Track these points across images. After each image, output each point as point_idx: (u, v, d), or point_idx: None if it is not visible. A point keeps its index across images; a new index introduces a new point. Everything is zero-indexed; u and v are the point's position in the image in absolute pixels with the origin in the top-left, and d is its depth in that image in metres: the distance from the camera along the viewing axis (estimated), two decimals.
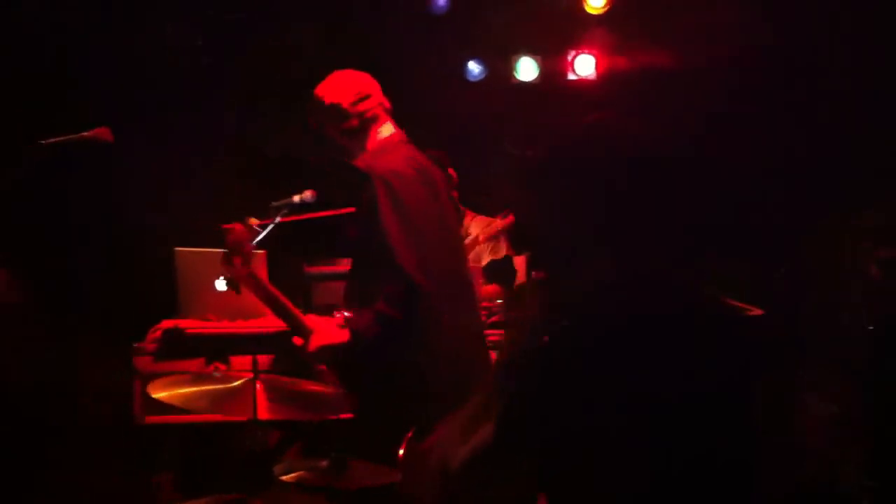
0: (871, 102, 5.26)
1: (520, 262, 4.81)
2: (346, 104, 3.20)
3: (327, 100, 3.23)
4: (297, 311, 3.08)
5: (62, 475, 4.28)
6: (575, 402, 1.42)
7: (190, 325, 3.88)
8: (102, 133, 3.29)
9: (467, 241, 4.92)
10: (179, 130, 5.65)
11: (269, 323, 4.03)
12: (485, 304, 4.40)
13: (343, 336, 2.96)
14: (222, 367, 3.56)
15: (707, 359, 1.49)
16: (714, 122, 6.01)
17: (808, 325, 4.26)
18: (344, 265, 5.62)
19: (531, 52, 6.44)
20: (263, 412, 2.54)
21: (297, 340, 3.04)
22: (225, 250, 2.98)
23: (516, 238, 4.72)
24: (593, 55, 6.38)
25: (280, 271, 4.10)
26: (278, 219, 4.70)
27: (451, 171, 4.94)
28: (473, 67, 6.50)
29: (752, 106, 5.85)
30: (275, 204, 3.74)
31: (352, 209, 5.34)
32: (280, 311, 3.09)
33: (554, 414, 1.40)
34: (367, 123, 3.22)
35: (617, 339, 1.44)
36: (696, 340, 1.50)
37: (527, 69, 6.44)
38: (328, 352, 2.98)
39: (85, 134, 3.23)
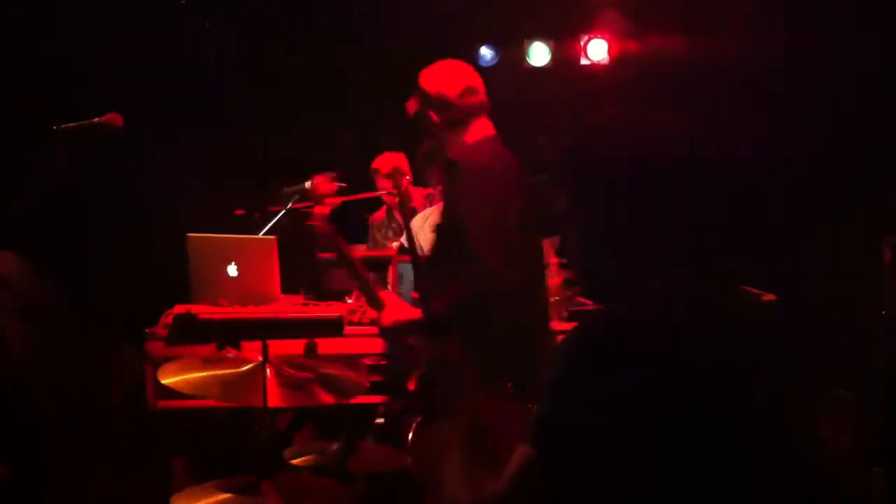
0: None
1: None
2: (452, 96, 3.17)
3: (433, 89, 3.21)
4: (370, 280, 3.17)
5: (78, 463, 4.32)
6: (587, 405, 1.41)
7: (202, 310, 3.89)
8: (113, 118, 3.30)
9: None
10: (192, 116, 5.67)
11: (281, 308, 4.05)
12: None
13: (415, 314, 3.04)
14: (234, 352, 3.57)
15: (725, 353, 1.48)
16: (729, 110, 5.98)
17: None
18: (355, 251, 5.67)
19: (543, 36, 6.41)
20: (274, 398, 2.55)
21: (372, 313, 3.14)
22: (307, 203, 3.03)
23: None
24: (606, 40, 6.36)
25: (290, 257, 4.12)
26: (290, 204, 4.71)
27: None
28: (486, 53, 6.49)
29: (766, 91, 5.82)
30: (287, 189, 3.75)
31: (365, 195, 5.37)
32: (356, 277, 3.16)
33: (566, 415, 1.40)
34: (469, 118, 3.19)
35: (635, 340, 1.44)
36: (715, 337, 1.49)
37: (539, 54, 6.42)
38: (401, 327, 3.05)
39: (95, 119, 3.24)
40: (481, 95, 3.25)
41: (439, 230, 3.23)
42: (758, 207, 5.28)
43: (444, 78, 3.23)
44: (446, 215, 3.16)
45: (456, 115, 3.18)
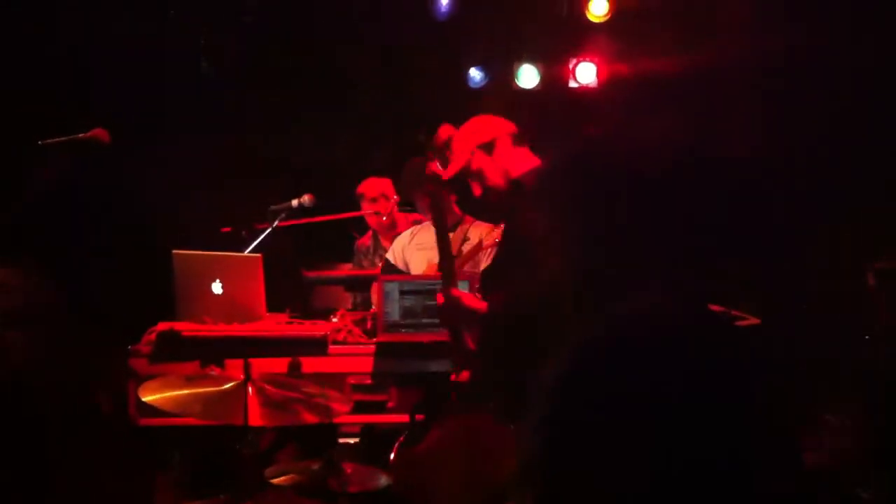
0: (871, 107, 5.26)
1: None
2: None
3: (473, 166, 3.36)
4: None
5: (65, 475, 4.30)
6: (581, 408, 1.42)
7: (186, 327, 3.88)
8: (99, 134, 3.30)
9: (466, 246, 4.91)
10: (178, 134, 5.67)
11: (265, 326, 4.04)
12: None
13: (482, 306, 3.12)
14: (217, 369, 3.55)
15: (709, 368, 1.49)
16: (715, 127, 6.03)
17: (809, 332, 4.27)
18: (341, 270, 5.67)
19: (532, 59, 6.45)
20: (255, 417, 2.54)
21: (456, 292, 3.21)
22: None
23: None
24: (595, 63, 6.39)
25: (278, 276, 4.11)
26: (276, 223, 4.71)
27: None
28: (475, 74, 6.51)
29: (754, 112, 5.86)
30: (273, 208, 3.74)
31: (351, 214, 5.36)
32: (444, 251, 3.31)
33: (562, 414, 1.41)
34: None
35: (617, 355, 1.44)
36: (696, 352, 1.49)
37: (528, 76, 6.45)
38: (466, 312, 3.14)
39: (81, 135, 3.24)
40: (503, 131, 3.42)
41: (505, 246, 3.36)
42: (753, 212, 5.32)
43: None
44: (512, 225, 3.24)
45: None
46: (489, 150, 3.33)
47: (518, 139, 3.36)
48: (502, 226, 4.74)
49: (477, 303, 3.19)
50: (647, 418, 1.40)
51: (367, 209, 5.44)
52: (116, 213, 5.26)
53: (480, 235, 4.90)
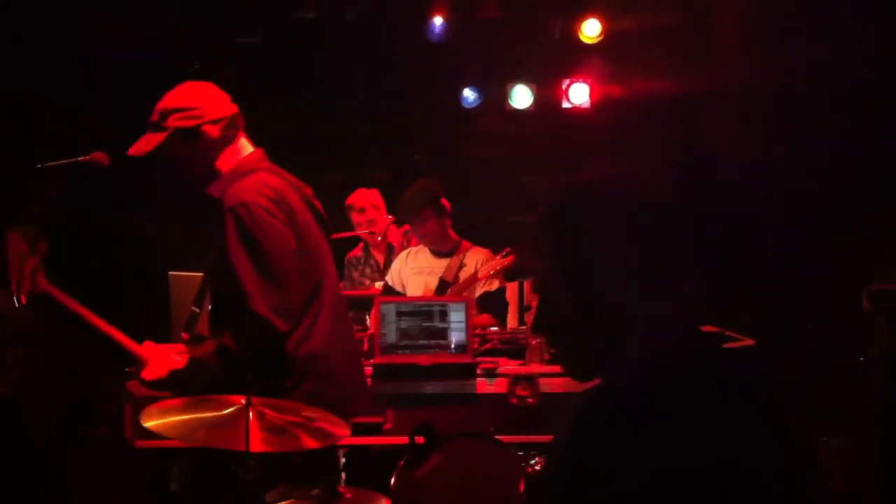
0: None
1: (512, 293, 4.81)
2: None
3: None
4: (118, 334, 2.92)
5: (60, 491, 4.30)
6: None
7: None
8: (98, 157, 3.28)
9: (463, 273, 4.91)
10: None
11: None
12: (477, 332, 4.41)
13: (177, 364, 2.86)
14: None
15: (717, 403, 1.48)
16: (709, 149, 6.07)
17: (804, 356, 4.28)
18: None
19: (526, 79, 6.48)
20: (256, 443, 2.53)
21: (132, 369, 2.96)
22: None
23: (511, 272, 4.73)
24: (588, 84, 6.43)
25: None
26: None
27: (443, 200, 4.94)
28: (469, 94, 6.55)
29: (747, 134, 5.90)
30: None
31: (345, 234, 5.35)
32: (101, 333, 2.92)
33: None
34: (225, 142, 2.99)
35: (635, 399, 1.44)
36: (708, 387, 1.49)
37: (521, 97, 6.48)
38: (163, 382, 2.88)
39: (81, 158, 3.22)
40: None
41: (213, 269, 3.04)
42: (747, 235, 5.34)
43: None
44: (216, 253, 2.94)
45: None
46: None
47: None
48: (500, 256, 4.76)
49: (168, 365, 2.89)
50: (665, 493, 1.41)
51: (355, 220, 5.44)
52: (113, 234, 5.26)
53: (477, 261, 4.91)
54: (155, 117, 2.96)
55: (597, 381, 1.52)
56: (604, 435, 1.41)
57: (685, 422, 1.42)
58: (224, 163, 2.98)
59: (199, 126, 2.92)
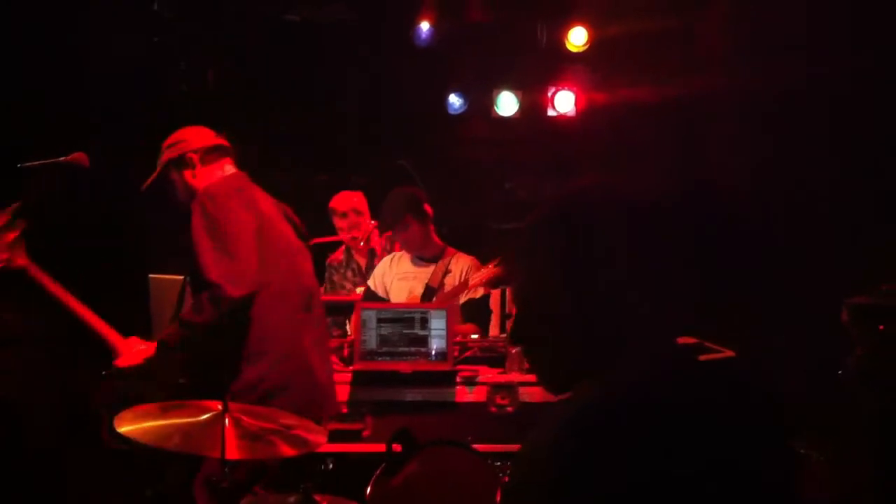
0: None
1: (495, 301, 4.81)
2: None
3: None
4: (95, 319, 3.22)
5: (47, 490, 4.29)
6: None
7: None
8: (79, 158, 3.28)
9: (449, 279, 4.91)
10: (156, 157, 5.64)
11: None
12: (458, 339, 4.41)
13: (145, 353, 3.14)
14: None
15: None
16: (694, 158, 6.08)
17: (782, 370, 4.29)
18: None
19: (512, 87, 6.49)
20: (232, 450, 2.52)
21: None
22: None
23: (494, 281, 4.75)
24: (573, 92, 6.44)
25: None
26: None
27: (426, 206, 4.94)
28: (454, 101, 6.55)
29: (732, 144, 5.92)
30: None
31: (328, 238, 5.35)
32: (76, 318, 3.21)
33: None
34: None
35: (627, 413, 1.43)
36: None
37: (507, 104, 6.49)
38: (133, 370, 3.15)
39: (62, 159, 3.22)
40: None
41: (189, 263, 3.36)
42: (729, 246, 5.36)
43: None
44: (187, 246, 3.26)
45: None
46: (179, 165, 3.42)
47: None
48: (491, 266, 4.77)
49: (137, 355, 3.20)
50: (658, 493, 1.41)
51: (337, 223, 5.42)
52: (94, 236, 5.22)
53: (462, 268, 4.91)
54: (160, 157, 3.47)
55: (569, 394, 1.51)
56: (594, 444, 1.40)
57: (677, 430, 1.42)
58: (202, 182, 3.37)
59: (184, 153, 3.39)
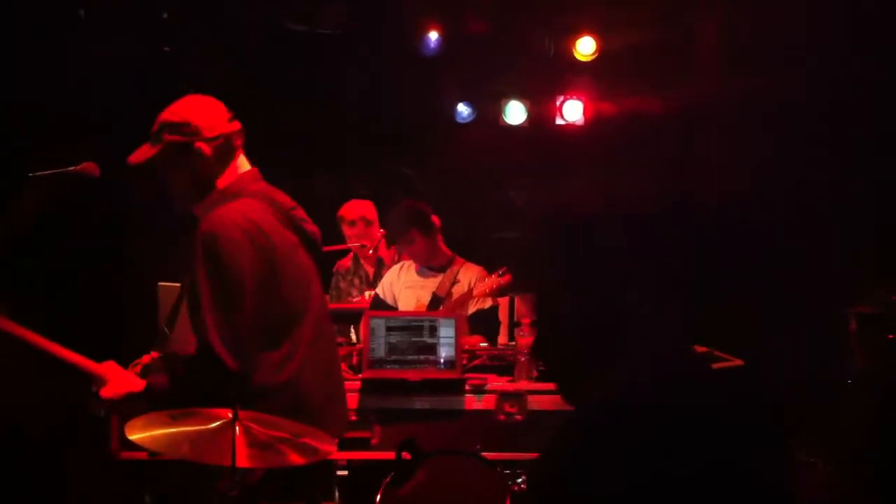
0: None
1: (503, 312, 4.82)
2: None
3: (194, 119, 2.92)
4: (74, 356, 2.89)
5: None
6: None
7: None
8: (89, 167, 3.28)
9: (456, 289, 4.91)
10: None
11: None
12: (466, 347, 4.41)
13: (138, 386, 2.85)
14: None
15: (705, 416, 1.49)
16: (698, 166, 6.09)
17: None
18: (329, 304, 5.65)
19: (520, 96, 6.50)
20: (242, 458, 2.52)
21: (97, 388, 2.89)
22: None
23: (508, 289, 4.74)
24: (581, 101, 6.45)
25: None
26: None
27: (433, 218, 4.95)
28: (463, 110, 6.56)
29: (737, 152, 5.92)
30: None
31: (337, 247, 5.34)
32: (51, 359, 2.88)
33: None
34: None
35: (620, 415, 1.44)
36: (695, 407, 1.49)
37: (515, 113, 6.50)
38: (121, 401, 2.86)
39: (71, 168, 3.22)
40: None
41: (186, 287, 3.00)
42: (734, 254, 5.35)
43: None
44: (186, 272, 2.91)
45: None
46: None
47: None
48: (496, 275, 4.76)
49: (129, 385, 2.86)
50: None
51: (346, 232, 5.43)
52: (102, 243, 5.24)
53: (470, 277, 4.91)
54: (154, 128, 2.94)
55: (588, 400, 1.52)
56: (595, 444, 1.41)
57: (677, 431, 1.43)
58: (220, 180, 2.93)
59: (191, 143, 2.88)
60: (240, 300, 2.75)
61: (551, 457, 1.47)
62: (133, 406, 2.83)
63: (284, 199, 3.01)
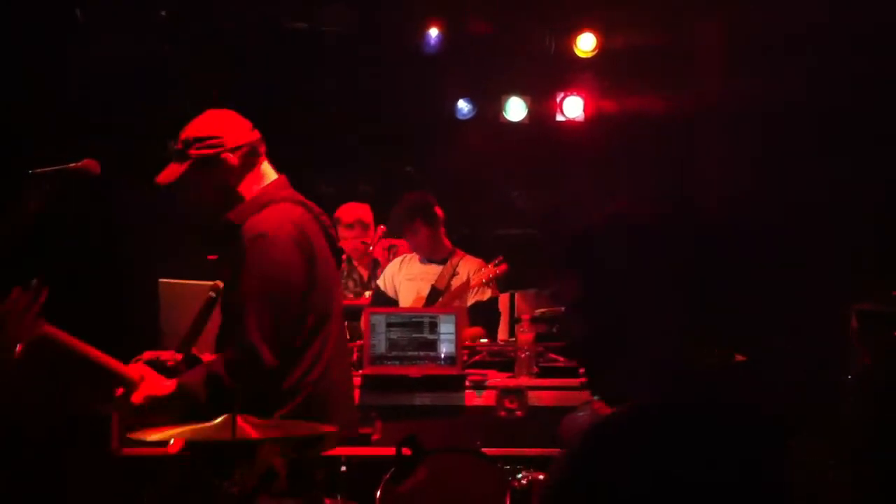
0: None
1: (504, 303, 4.82)
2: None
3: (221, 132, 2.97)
4: (111, 361, 2.87)
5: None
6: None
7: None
8: (90, 165, 3.27)
9: (455, 281, 4.93)
10: (166, 162, 5.66)
11: None
12: (467, 343, 4.42)
13: (168, 388, 2.84)
14: None
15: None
16: (698, 165, 6.08)
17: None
18: None
19: (520, 92, 6.50)
20: (243, 454, 2.52)
21: (119, 391, 2.89)
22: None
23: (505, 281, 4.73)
24: (582, 97, 6.45)
25: None
26: None
27: (437, 209, 4.97)
28: (463, 106, 6.56)
29: (742, 152, 5.92)
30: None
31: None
32: (90, 365, 2.85)
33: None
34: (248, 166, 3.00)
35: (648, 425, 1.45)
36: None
37: (516, 109, 6.50)
38: (152, 403, 2.84)
39: (72, 165, 3.21)
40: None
41: (225, 291, 3.02)
42: (736, 252, 5.34)
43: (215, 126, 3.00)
44: (228, 277, 2.95)
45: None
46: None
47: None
48: (492, 265, 4.78)
49: (161, 388, 2.85)
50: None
51: (342, 233, 5.44)
52: (103, 241, 5.25)
53: (469, 270, 4.94)
54: (179, 146, 2.99)
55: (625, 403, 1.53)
56: (596, 444, 1.42)
57: (677, 431, 1.44)
58: (247, 189, 2.98)
59: (218, 154, 2.93)
60: (284, 300, 2.81)
61: (556, 460, 1.48)
62: (163, 410, 2.84)
63: (312, 204, 3.08)
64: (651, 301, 1.53)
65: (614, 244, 1.57)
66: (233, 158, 2.94)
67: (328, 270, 3.00)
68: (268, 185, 3.00)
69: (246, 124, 3.02)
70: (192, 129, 2.99)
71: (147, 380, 2.88)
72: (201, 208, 3.04)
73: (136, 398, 2.86)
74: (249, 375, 2.78)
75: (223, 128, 2.97)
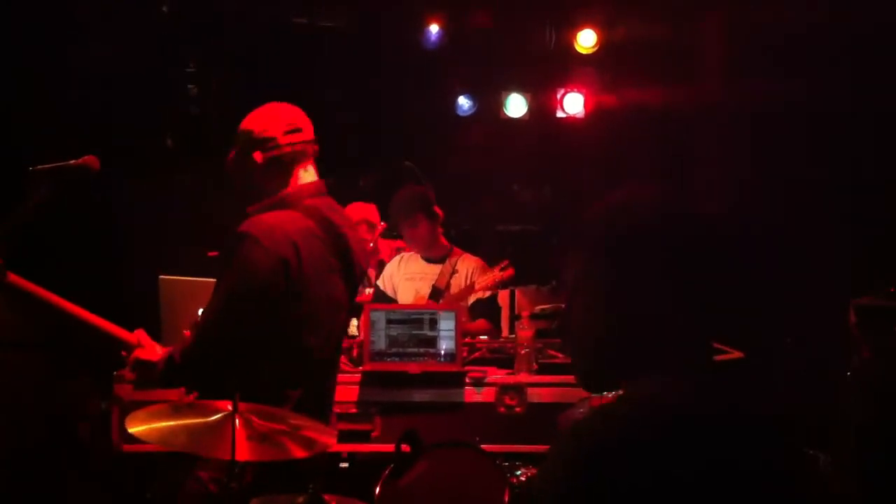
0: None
1: (504, 299, 4.83)
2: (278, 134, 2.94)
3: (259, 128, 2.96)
4: (101, 321, 2.91)
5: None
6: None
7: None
8: (90, 161, 3.27)
9: (455, 279, 4.93)
10: (167, 158, 5.68)
11: None
12: (467, 339, 4.42)
13: (157, 355, 2.87)
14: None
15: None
16: (697, 164, 6.09)
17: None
18: None
19: (521, 88, 6.50)
20: (242, 450, 2.53)
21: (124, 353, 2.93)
22: None
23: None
24: (582, 94, 6.45)
25: None
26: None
27: (436, 208, 4.97)
28: (464, 103, 6.57)
29: (740, 148, 5.92)
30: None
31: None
32: (80, 325, 2.89)
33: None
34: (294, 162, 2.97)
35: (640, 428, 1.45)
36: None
37: (516, 105, 6.50)
38: (139, 367, 2.88)
39: (72, 161, 3.21)
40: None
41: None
42: (735, 249, 5.35)
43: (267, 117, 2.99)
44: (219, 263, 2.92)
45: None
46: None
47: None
48: (498, 269, 4.77)
49: (152, 354, 2.88)
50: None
51: None
52: (103, 237, 5.25)
53: (468, 268, 4.94)
54: (236, 136, 3.01)
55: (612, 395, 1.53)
56: (596, 445, 1.42)
57: (677, 431, 1.44)
58: (274, 188, 2.95)
59: (248, 150, 2.93)
60: (244, 301, 2.77)
61: (551, 460, 1.48)
62: (148, 374, 2.88)
63: (339, 218, 3.01)
64: (650, 299, 1.53)
65: (614, 237, 1.57)
66: (259, 156, 2.92)
67: (328, 293, 2.92)
68: (294, 189, 2.95)
69: (293, 124, 2.97)
70: (246, 119, 3.00)
71: (144, 345, 2.91)
72: (245, 196, 3.01)
73: (143, 354, 2.90)
74: (190, 361, 2.81)
75: (264, 125, 2.95)
